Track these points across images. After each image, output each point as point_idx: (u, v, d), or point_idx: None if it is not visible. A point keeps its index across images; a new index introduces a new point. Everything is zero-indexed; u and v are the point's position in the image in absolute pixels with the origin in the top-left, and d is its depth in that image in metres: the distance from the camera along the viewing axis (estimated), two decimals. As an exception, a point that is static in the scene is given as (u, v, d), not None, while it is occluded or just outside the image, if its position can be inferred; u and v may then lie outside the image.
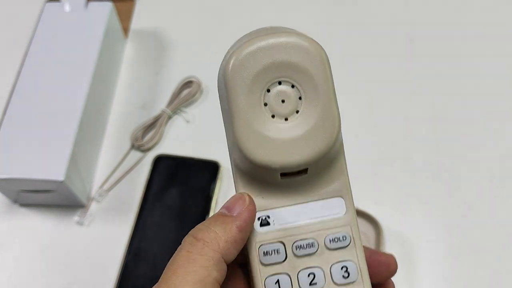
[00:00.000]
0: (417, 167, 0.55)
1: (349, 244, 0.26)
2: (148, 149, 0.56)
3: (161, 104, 0.59)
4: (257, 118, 0.24)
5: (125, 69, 0.63)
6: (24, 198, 0.52)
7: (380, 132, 0.57)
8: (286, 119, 0.25)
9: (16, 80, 0.54)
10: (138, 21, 0.67)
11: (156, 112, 0.58)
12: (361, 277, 0.26)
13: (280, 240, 0.26)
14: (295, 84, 0.25)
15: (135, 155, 0.56)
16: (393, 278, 0.48)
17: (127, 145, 0.57)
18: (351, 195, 0.27)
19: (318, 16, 0.66)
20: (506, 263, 0.49)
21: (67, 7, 0.58)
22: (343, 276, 0.26)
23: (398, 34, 0.64)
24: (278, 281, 0.25)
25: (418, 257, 0.50)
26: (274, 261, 0.26)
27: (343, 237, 0.26)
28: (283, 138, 0.24)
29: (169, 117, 0.58)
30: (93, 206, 0.53)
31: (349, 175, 0.27)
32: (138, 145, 0.56)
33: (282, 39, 0.24)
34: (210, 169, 0.54)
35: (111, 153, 0.57)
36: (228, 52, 0.26)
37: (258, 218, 0.26)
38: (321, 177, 0.27)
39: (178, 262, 0.24)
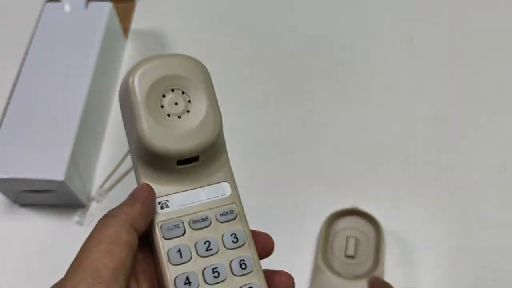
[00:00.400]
0: (417, 167, 0.55)
1: (235, 217, 0.32)
2: (148, 149, 0.56)
3: (161, 104, 0.59)
4: (155, 117, 0.30)
5: (125, 69, 0.63)
6: (24, 198, 0.52)
7: (380, 131, 0.57)
8: (179, 117, 0.31)
9: (16, 80, 0.54)
10: (138, 21, 0.67)
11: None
12: (248, 241, 0.32)
13: (179, 218, 0.31)
14: (185, 91, 0.31)
15: (135, 155, 0.56)
16: (393, 278, 0.48)
17: (127, 145, 0.57)
18: (234, 179, 0.34)
19: (317, 15, 0.67)
20: (506, 263, 0.49)
21: (67, 7, 0.58)
22: (233, 241, 0.32)
23: (398, 33, 0.64)
24: (179, 250, 0.30)
25: (418, 257, 0.50)
26: (175, 235, 0.31)
27: (230, 211, 0.32)
28: (178, 131, 0.31)
29: (169, 117, 0.58)
30: (93, 206, 0.53)
31: (231, 164, 0.34)
32: (138, 145, 0.56)
33: (172, 59, 0.32)
34: (210, 169, 0.54)
35: (111, 153, 0.57)
36: (130, 69, 0.32)
37: (159, 203, 0.31)
38: (210, 166, 0.33)
39: (92, 233, 0.29)
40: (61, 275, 0.52)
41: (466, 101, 0.59)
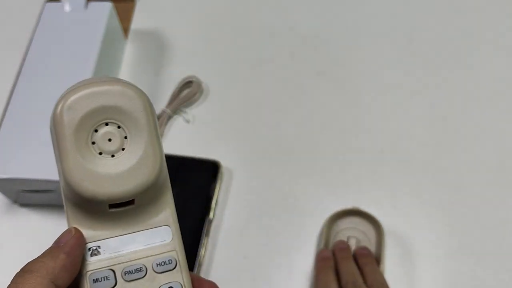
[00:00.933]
0: (417, 167, 0.55)
1: (175, 267, 0.29)
2: (148, 149, 0.56)
3: (161, 104, 0.59)
4: (84, 155, 0.27)
5: (125, 69, 0.63)
6: (24, 198, 0.52)
7: (380, 131, 0.57)
8: (113, 156, 0.27)
9: (16, 80, 0.54)
10: (138, 21, 0.67)
11: (156, 112, 0.58)
12: None
13: (110, 267, 0.28)
14: (120, 125, 0.27)
15: (135, 155, 0.56)
16: (393, 278, 0.48)
17: (127, 145, 0.57)
18: (177, 223, 0.29)
19: (317, 15, 0.66)
20: (506, 263, 0.49)
21: (67, 7, 0.58)
22: None
23: (398, 33, 0.64)
24: None
25: (418, 257, 0.50)
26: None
27: (169, 261, 0.29)
28: (110, 172, 0.27)
29: (169, 117, 0.58)
30: (93, 206, 0.53)
31: (174, 206, 0.30)
32: (138, 145, 0.56)
33: (108, 87, 0.27)
34: (210, 169, 0.54)
35: (111, 153, 0.57)
36: (60, 96, 0.28)
37: (89, 249, 0.28)
38: (149, 208, 0.29)
39: None
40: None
41: (465, 101, 0.59)
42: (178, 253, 0.29)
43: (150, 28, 0.66)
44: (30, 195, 0.51)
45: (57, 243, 0.27)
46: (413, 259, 0.50)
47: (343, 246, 0.47)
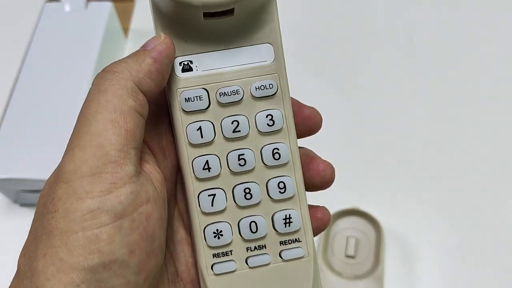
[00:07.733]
0: (417, 167, 0.55)
1: (275, 92, 0.25)
2: (148, 149, 0.56)
3: (161, 104, 0.59)
4: None
5: (125, 69, 0.63)
6: (24, 198, 0.52)
7: (380, 131, 0.57)
8: None
9: (16, 80, 0.54)
10: (138, 21, 0.67)
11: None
12: (287, 126, 0.26)
13: (203, 86, 0.24)
14: None
15: (135, 155, 0.56)
16: (392, 278, 0.48)
17: (127, 145, 0.57)
18: (281, 42, 0.25)
19: (317, 15, 0.66)
20: (506, 263, 0.49)
21: (67, 7, 0.58)
22: (268, 124, 0.25)
23: (398, 33, 0.64)
24: (200, 128, 0.24)
25: (418, 257, 0.50)
26: (196, 108, 0.24)
27: (269, 85, 0.25)
28: None
29: (169, 117, 0.58)
30: (93, 206, 0.53)
31: (279, 22, 0.25)
32: (138, 145, 0.56)
33: None
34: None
35: (111, 153, 0.57)
36: None
37: (180, 63, 0.24)
38: (249, 21, 0.24)
39: (88, 98, 0.23)
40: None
41: (466, 101, 0.59)
42: (280, 78, 0.26)
43: (150, 28, 0.65)
44: (30, 195, 0.51)
45: (144, 46, 0.24)
46: (413, 259, 0.50)
47: None
